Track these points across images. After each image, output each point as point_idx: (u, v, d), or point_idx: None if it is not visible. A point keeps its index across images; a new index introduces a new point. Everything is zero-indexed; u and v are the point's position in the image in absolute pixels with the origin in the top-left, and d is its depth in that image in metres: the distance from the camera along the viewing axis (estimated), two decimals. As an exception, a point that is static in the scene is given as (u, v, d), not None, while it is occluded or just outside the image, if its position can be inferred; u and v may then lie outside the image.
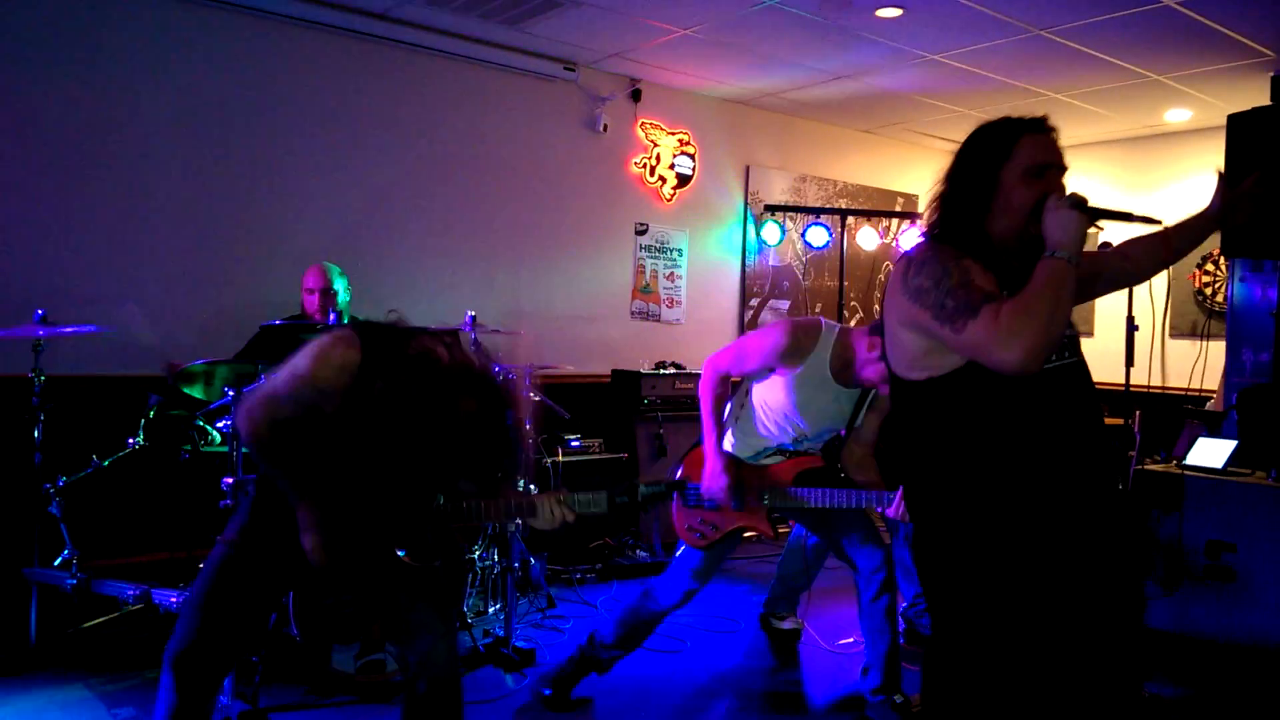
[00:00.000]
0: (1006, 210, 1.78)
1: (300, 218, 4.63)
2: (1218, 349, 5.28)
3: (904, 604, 4.10)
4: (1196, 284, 6.45)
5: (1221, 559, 3.70)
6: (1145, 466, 4.00)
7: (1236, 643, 3.63)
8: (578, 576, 4.66)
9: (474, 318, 3.87)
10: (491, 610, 3.99)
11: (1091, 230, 1.78)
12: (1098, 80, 5.49)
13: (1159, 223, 1.88)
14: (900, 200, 7.23)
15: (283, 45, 4.56)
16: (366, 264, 4.71)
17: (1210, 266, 6.34)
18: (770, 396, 3.09)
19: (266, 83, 4.52)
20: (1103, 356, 3.69)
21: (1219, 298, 6.17)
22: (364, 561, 2.10)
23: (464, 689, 2.26)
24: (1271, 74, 5.10)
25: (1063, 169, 1.82)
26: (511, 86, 5.30)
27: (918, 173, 7.38)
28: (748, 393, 3.18)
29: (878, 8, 4.48)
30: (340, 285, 4.04)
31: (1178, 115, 6.15)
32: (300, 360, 2.00)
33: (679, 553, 3.23)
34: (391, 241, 4.92)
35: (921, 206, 7.25)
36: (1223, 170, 2.14)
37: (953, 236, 1.82)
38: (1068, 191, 1.76)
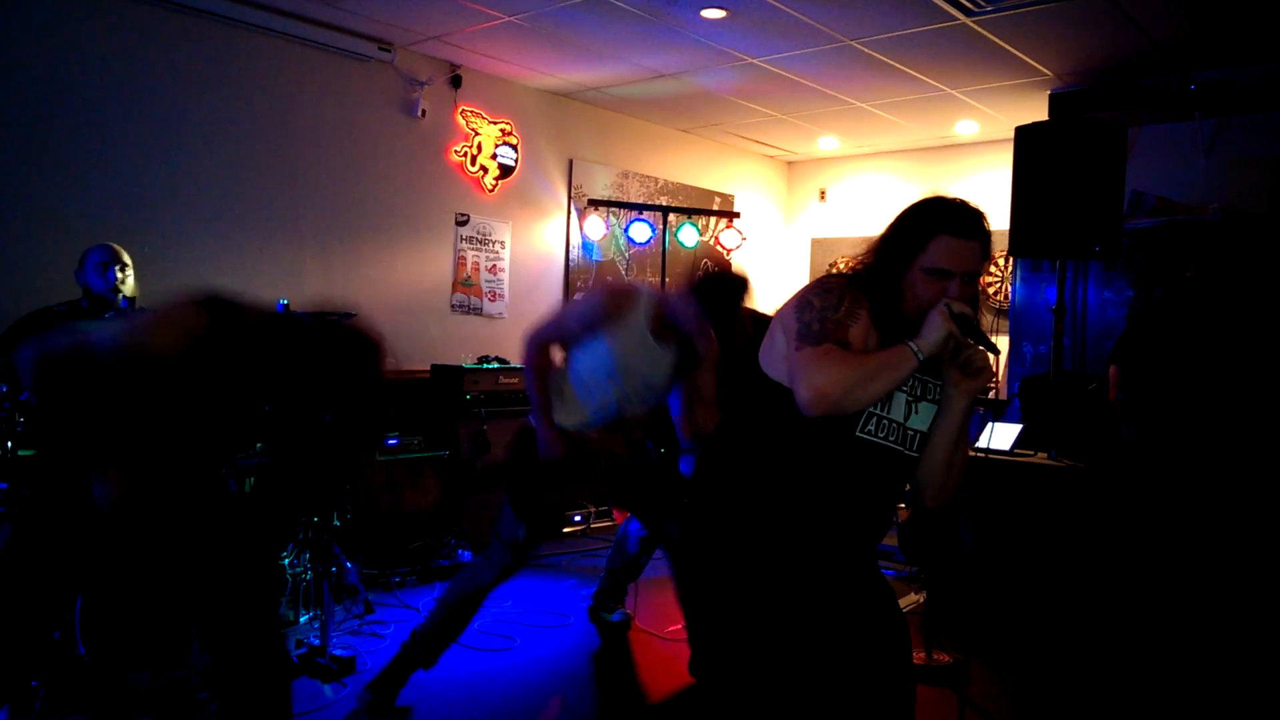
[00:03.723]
0: (911, 290, 1.86)
1: (84, 196, 4.17)
2: (1001, 343, 5.76)
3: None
4: (980, 283, 7.00)
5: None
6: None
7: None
8: (397, 580, 4.45)
9: (285, 306, 3.61)
10: (304, 619, 3.74)
11: None
12: (899, 91, 5.84)
13: (997, 353, 1.93)
14: (718, 200, 7.41)
15: (75, 9, 4.11)
16: (164, 248, 4.32)
17: (993, 267, 6.86)
18: (592, 363, 3.08)
19: (55, 48, 4.05)
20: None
21: (1000, 295, 6.73)
22: (165, 521, 1.97)
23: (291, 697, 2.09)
24: (1049, 91, 5.62)
25: (968, 276, 1.87)
26: (324, 65, 5.01)
27: (734, 173, 7.60)
28: (570, 365, 3.16)
29: (703, 8, 4.56)
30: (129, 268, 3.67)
31: (966, 127, 6.65)
32: (140, 320, 1.95)
33: (499, 530, 3.14)
34: (192, 225, 4.52)
35: (738, 206, 7.48)
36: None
37: (871, 284, 1.88)
38: (955, 305, 1.80)
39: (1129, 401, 3.84)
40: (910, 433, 1.89)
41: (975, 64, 5.25)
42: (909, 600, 4.47)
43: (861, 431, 1.83)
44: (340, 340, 2.02)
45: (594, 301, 3.09)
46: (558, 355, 3.15)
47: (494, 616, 4.06)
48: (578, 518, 5.63)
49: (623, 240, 6.47)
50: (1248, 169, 5.13)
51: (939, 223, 1.85)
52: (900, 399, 1.88)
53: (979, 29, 4.72)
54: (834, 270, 7.76)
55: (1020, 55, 5.09)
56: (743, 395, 1.97)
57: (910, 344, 1.75)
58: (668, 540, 3.24)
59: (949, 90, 5.78)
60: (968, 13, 4.49)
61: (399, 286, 5.36)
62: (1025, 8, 4.41)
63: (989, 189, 6.36)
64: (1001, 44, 4.92)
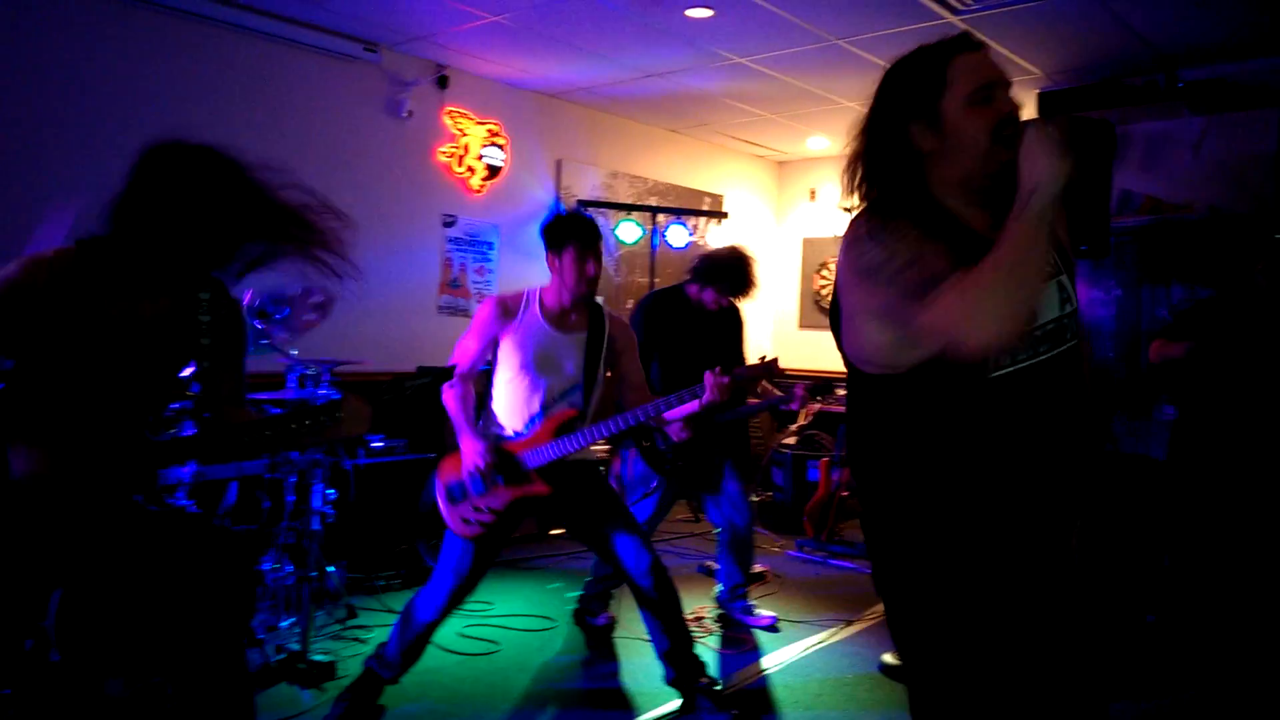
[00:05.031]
0: (957, 150, 1.48)
1: (62, 199, 4.13)
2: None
3: (722, 591, 4.17)
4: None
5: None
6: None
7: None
8: (381, 584, 4.42)
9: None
10: (285, 624, 3.71)
11: None
12: (888, 90, 5.81)
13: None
14: (707, 200, 7.39)
15: (52, 8, 4.08)
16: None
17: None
18: (509, 369, 3.08)
19: (31, 49, 4.02)
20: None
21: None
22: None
23: (256, 708, 2.05)
24: (1038, 90, 5.60)
25: (1008, 84, 1.53)
26: (309, 65, 4.98)
27: (724, 173, 7.57)
28: (492, 379, 3.15)
29: (687, 7, 4.54)
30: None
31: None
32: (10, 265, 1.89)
33: (441, 555, 3.03)
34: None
35: (729, 206, 7.45)
36: None
37: (893, 200, 1.53)
38: (1042, 121, 1.44)
39: (1178, 380, 3.82)
40: (1069, 315, 1.51)
41: (963, 63, 5.22)
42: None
43: (1033, 354, 1.45)
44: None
45: (483, 308, 3.13)
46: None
47: (478, 620, 4.03)
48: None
49: (612, 240, 6.44)
50: (1237, 166, 5.11)
51: (944, 50, 1.54)
52: (1050, 287, 1.48)
53: (967, 28, 4.69)
54: (824, 267, 7.75)
55: (1008, 54, 5.07)
56: (876, 418, 1.60)
57: (1026, 210, 1.36)
58: (609, 552, 3.09)
59: (938, 89, 5.75)
60: (955, 11, 4.48)
61: (385, 288, 5.32)
62: (1012, 6, 4.40)
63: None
64: (989, 43, 4.89)
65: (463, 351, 3.10)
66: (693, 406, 3.09)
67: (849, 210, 1.63)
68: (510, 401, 3.09)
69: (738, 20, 4.71)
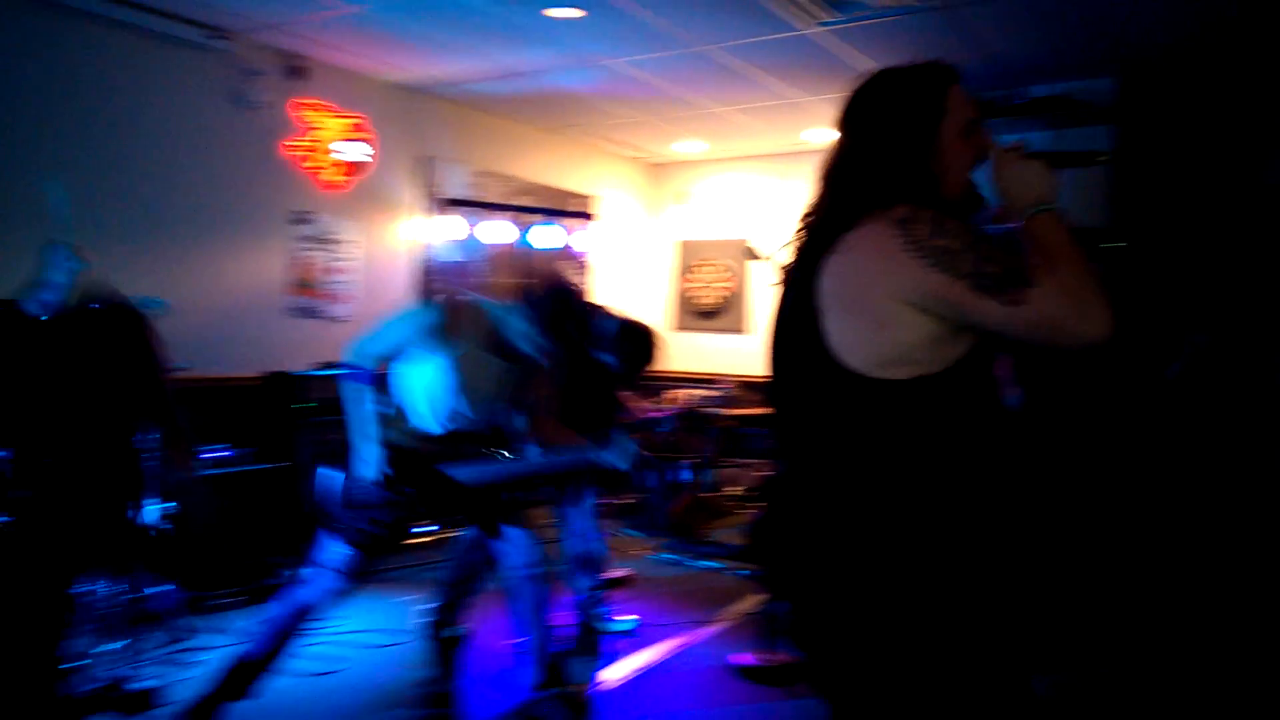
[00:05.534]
0: (949, 172, 1.53)
1: None
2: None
3: (580, 595, 4.13)
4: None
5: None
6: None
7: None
8: (219, 603, 4.18)
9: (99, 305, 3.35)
10: (109, 647, 3.47)
11: None
12: (753, 98, 5.90)
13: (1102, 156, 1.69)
14: (579, 201, 7.33)
15: None
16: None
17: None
18: (426, 376, 2.97)
19: None
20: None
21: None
22: None
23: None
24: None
25: (982, 120, 1.60)
26: (150, 52, 4.67)
27: (597, 174, 7.54)
28: (399, 378, 3.05)
29: (545, 7, 4.47)
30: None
31: (817, 135, 6.75)
32: None
33: (319, 555, 2.97)
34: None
35: (602, 207, 7.42)
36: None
37: (916, 199, 1.49)
38: (1009, 145, 1.53)
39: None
40: None
41: (823, 73, 5.33)
42: (750, 601, 4.50)
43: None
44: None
45: (431, 314, 2.98)
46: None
47: (323, 637, 3.88)
48: (432, 528, 5.44)
49: (480, 241, 6.31)
50: (1080, 178, 5.38)
51: (943, 77, 1.56)
52: None
53: (823, 41, 4.80)
54: (695, 269, 7.82)
55: (859, 69, 5.18)
56: (883, 425, 1.48)
57: (1039, 210, 1.45)
58: (489, 550, 3.14)
59: (798, 99, 5.86)
60: (813, 24, 4.55)
61: (230, 288, 5.05)
62: (868, 20, 4.50)
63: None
64: (846, 56, 5.01)
65: (386, 339, 2.98)
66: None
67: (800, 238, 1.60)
68: (418, 406, 3.00)
69: (607, 23, 4.67)
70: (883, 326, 1.42)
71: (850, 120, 1.61)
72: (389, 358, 3.02)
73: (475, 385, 3.00)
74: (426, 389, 3.00)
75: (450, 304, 3.02)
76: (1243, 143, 5.32)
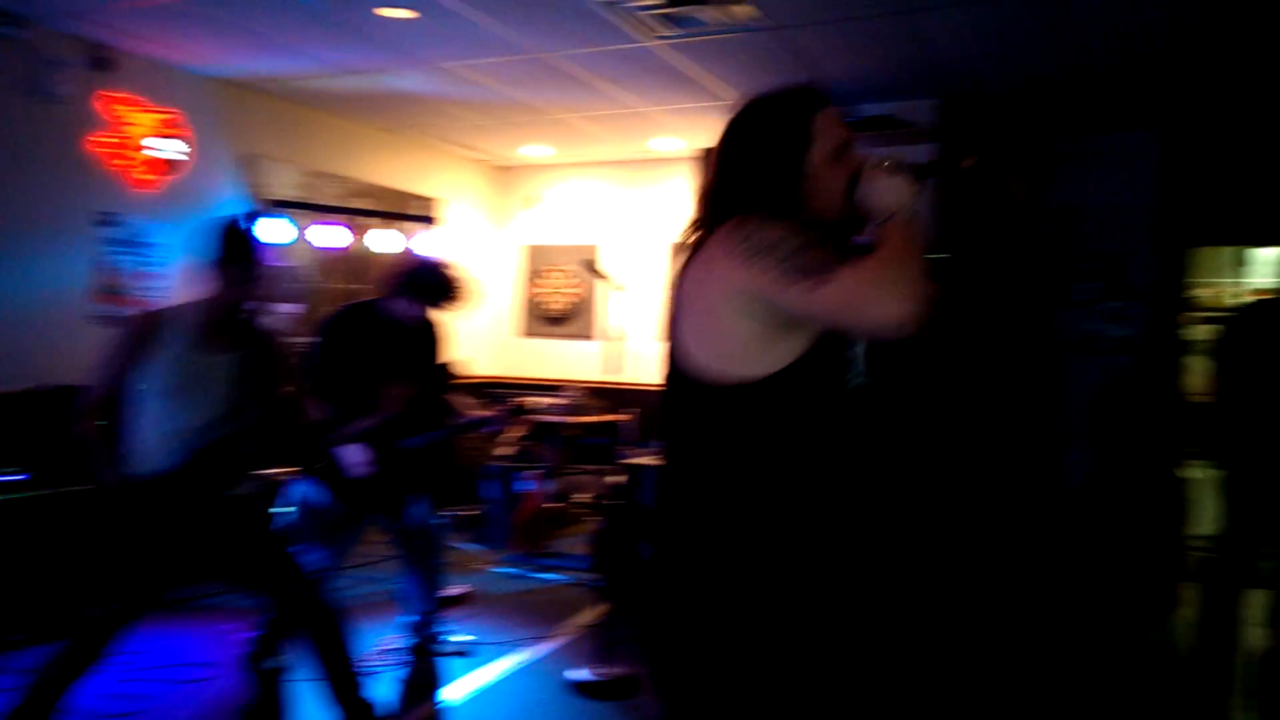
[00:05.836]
0: (819, 195, 1.60)
1: None
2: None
3: (410, 618, 4.01)
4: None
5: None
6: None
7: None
8: (11, 639, 3.81)
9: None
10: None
11: None
12: (596, 106, 5.88)
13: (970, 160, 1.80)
14: (420, 204, 7.13)
15: None
16: None
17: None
18: (145, 398, 2.79)
19: None
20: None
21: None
22: None
23: None
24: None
25: (854, 139, 1.67)
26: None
27: (442, 177, 7.35)
28: (130, 409, 2.86)
29: (376, 6, 4.31)
30: None
31: (663, 144, 6.81)
32: None
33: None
34: None
35: (446, 211, 7.24)
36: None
37: (773, 214, 1.58)
38: (877, 160, 1.62)
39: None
40: (869, 352, 1.65)
41: (666, 85, 5.37)
42: (591, 613, 4.48)
43: (855, 378, 1.59)
44: None
45: (117, 339, 2.82)
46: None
47: (124, 673, 3.59)
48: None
49: (313, 244, 6.04)
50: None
51: (806, 107, 1.62)
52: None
53: (664, 55, 4.83)
54: (543, 274, 7.75)
55: (700, 82, 5.27)
56: (732, 427, 1.55)
57: (890, 219, 1.53)
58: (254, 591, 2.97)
59: (642, 109, 5.89)
60: (652, 37, 4.57)
61: (23, 295, 4.62)
62: (704, 36, 4.56)
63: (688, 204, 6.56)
64: (687, 69, 5.07)
65: (99, 375, 2.77)
66: (367, 424, 2.95)
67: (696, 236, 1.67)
68: (149, 431, 2.79)
69: (441, 26, 4.53)
70: (718, 324, 1.52)
71: (722, 149, 1.69)
72: (114, 390, 2.82)
73: (194, 388, 2.82)
74: (149, 409, 2.81)
75: (133, 320, 2.86)
76: (1038, 164, 5.81)
